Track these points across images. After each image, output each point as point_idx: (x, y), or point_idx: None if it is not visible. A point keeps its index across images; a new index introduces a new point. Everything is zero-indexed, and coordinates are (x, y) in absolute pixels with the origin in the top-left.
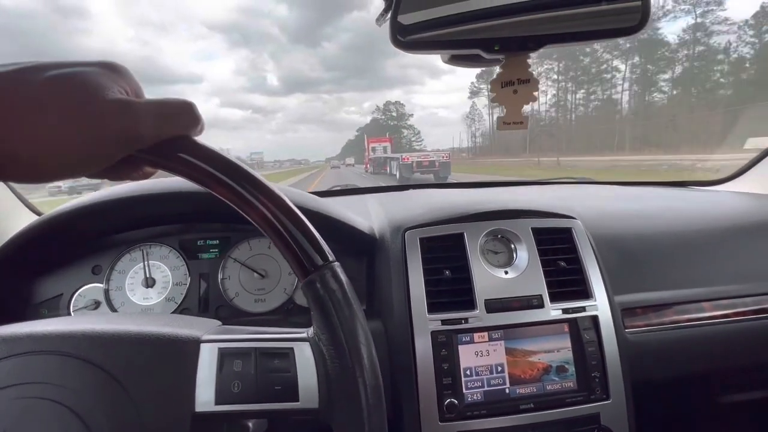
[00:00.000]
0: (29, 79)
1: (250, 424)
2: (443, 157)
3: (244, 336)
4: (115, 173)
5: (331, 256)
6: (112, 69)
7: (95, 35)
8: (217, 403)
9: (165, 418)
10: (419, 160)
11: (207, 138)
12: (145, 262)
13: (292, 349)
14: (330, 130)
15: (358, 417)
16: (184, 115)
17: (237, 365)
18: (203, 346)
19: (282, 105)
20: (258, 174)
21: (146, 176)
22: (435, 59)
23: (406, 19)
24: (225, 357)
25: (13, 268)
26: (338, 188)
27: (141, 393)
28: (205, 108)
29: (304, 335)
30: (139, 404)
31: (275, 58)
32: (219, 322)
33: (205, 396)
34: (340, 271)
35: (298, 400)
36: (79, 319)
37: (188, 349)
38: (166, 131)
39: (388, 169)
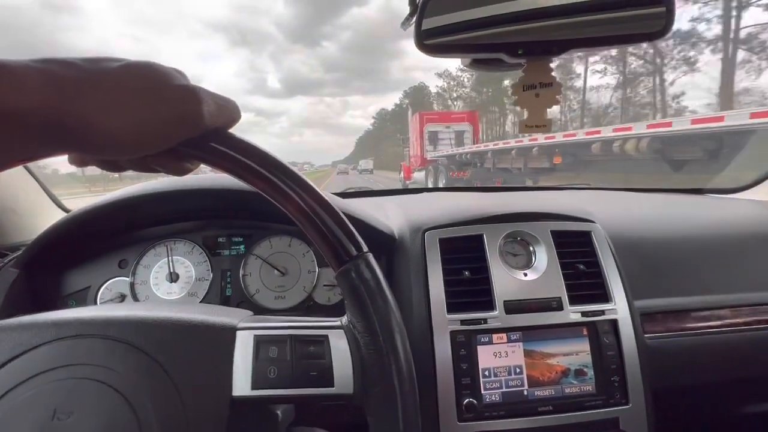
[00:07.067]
0: (106, 67)
1: (279, 412)
2: None
3: (278, 324)
4: (162, 162)
5: (364, 248)
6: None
7: (88, 32)
8: (254, 388)
9: (205, 401)
10: None
11: None
12: (170, 258)
13: (326, 336)
14: (335, 134)
15: (392, 401)
16: (233, 108)
17: (273, 351)
18: (239, 333)
19: (285, 108)
20: (293, 167)
21: (184, 171)
22: (443, 62)
23: (430, 22)
24: (261, 344)
25: (44, 262)
26: (353, 190)
27: (182, 377)
28: None
29: (337, 323)
30: (180, 387)
31: (275, 59)
32: (251, 312)
33: (242, 381)
34: (373, 262)
35: (333, 386)
36: (121, 306)
37: (225, 336)
38: (218, 120)
39: None
